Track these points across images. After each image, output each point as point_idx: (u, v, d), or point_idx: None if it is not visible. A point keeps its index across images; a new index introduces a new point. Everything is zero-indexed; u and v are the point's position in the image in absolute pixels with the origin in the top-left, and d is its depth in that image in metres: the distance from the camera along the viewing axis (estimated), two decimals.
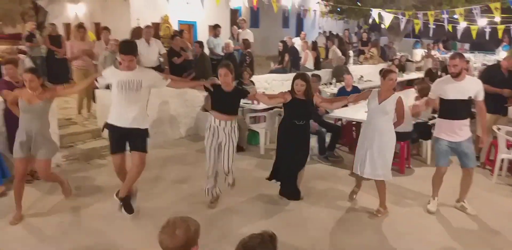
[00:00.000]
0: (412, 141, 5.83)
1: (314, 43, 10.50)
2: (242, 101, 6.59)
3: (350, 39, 15.68)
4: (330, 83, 9.05)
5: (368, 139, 4.15)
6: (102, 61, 6.28)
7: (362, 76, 9.95)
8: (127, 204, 3.96)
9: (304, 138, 4.43)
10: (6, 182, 4.61)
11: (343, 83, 7.58)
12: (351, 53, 11.89)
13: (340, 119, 6.60)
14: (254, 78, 7.87)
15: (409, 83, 11.34)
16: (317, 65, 9.95)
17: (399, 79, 10.98)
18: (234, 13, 16.04)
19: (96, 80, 3.91)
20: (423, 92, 5.93)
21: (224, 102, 4.10)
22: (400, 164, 5.54)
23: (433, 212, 4.33)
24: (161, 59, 7.34)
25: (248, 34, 9.42)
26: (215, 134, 4.13)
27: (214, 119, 4.12)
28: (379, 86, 4.17)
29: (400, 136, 5.38)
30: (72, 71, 6.68)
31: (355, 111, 6.16)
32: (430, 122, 5.82)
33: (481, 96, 4.10)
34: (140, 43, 7.18)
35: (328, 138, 6.00)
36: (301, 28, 21.59)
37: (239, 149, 6.31)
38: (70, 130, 6.11)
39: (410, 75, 11.84)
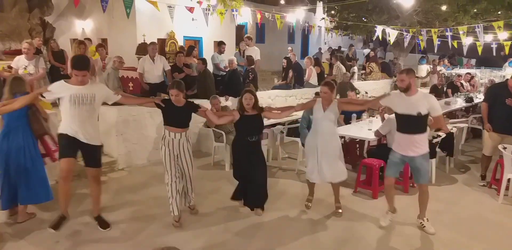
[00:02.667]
0: None
1: (316, 59, 10.50)
2: None
3: (354, 55, 15.73)
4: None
5: (320, 146, 4.38)
6: (105, 78, 6.32)
7: (366, 93, 9.91)
8: (102, 220, 4.16)
9: (259, 153, 4.54)
10: None
11: None
12: (355, 69, 11.88)
13: (343, 137, 6.51)
14: (258, 94, 7.83)
15: None
16: (321, 81, 9.92)
17: None
18: (240, 29, 16.20)
19: (42, 95, 3.81)
20: None
21: (175, 116, 4.20)
22: (404, 183, 5.43)
23: (384, 225, 4.32)
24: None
25: (255, 51, 9.46)
26: (170, 145, 4.18)
27: (168, 132, 4.20)
28: None
29: None
30: None
31: (359, 129, 6.10)
32: (435, 140, 5.73)
33: (436, 112, 4.02)
34: (145, 60, 7.26)
35: None
36: (307, 43, 21.79)
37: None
38: None
39: None
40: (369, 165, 5.29)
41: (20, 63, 6.00)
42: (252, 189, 4.53)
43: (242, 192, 4.63)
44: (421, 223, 4.32)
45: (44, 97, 3.82)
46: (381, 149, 5.67)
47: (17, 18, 10.95)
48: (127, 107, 5.99)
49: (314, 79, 9.65)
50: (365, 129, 6.05)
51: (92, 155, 3.99)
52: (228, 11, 11.57)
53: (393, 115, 5.33)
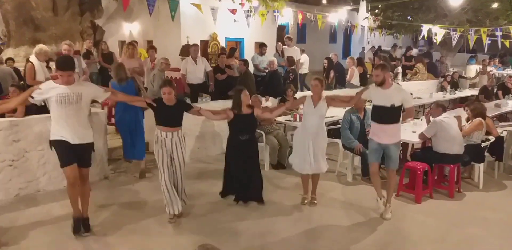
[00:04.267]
0: (463, 163, 5.51)
1: (359, 59, 10.31)
2: (284, 118, 6.69)
3: (400, 55, 15.30)
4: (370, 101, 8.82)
5: (309, 139, 4.58)
6: (151, 79, 6.54)
7: (411, 93, 9.59)
8: (87, 223, 4.03)
9: (252, 151, 4.61)
10: None
11: None
12: (399, 69, 11.56)
13: None
14: (298, 94, 7.84)
15: (463, 101, 10.84)
16: (364, 81, 9.76)
17: (451, 96, 10.54)
18: (281, 30, 16.21)
19: (31, 96, 3.74)
20: (475, 112, 5.65)
21: (167, 115, 4.19)
22: (450, 188, 5.24)
23: (381, 211, 4.53)
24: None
25: (295, 51, 9.47)
26: (163, 146, 4.18)
27: (160, 132, 4.19)
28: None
29: (450, 158, 5.16)
30: None
31: (402, 131, 5.92)
32: (483, 144, 5.49)
33: (408, 104, 4.42)
34: (188, 61, 7.46)
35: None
36: (349, 43, 21.44)
37: (280, 166, 6.29)
38: (118, 144, 6.38)
39: (464, 93, 11.29)
40: (412, 169, 5.16)
41: None
42: (246, 186, 4.68)
43: (233, 188, 4.76)
44: (382, 205, 4.58)
45: (33, 98, 3.77)
46: (426, 152, 5.51)
47: (70, 21, 11.58)
48: None
49: (356, 80, 9.51)
50: (409, 131, 5.89)
51: (84, 154, 3.91)
52: (270, 12, 11.64)
53: (440, 117, 5.21)
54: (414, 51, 13.54)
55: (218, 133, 7.06)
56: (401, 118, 4.47)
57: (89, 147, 3.98)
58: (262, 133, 6.27)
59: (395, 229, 4.31)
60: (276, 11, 12.17)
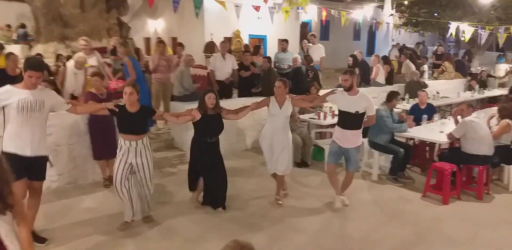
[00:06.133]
0: (493, 165, 5.39)
1: (385, 57, 10.13)
2: (308, 116, 6.65)
3: (424, 52, 14.98)
4: (403, 99, 8.68)
5: (275, 140, 4.64)
6: (178, 75, 6.61)
7: (438, 93, 9.42)
8: (37, 235, 3.79)
9: (217, 154, 4.49)
10: None
11: (416, 100, 7.24)
12: (425, 67, 11.32)
13: (412, 138, 6.29)
14: (321, 92, 7.79)
15: (491, 101, 10.56)
16: (389, 80, 9.61)
17: (479, 96, 10.28)
18: (304, 26, 16.11)
19: None
20: (503, 113, 5.48)
21: (130, 123, 3.95)
22: (478, 189, 5.13)
23: (338, 207, 4.71)
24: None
25: (319, 48, 9.39)
26: (125, 154, 3.95)
27: (123, 140, 3.95)
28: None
29: (479, 159, 5.05)
30: (150, 83, 7.10)
31: (429, 131, 5.86)
32: None
33: (370, 112, 4.55)
34: (216, 57, 7.50)
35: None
36: (373, 40, 21.13)
37: (304, 164, 6.28)
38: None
39: (493, 92, 10.98)
40: (440, 169, 5.07)
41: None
42: (213, 190, 4.54)
43: (197, 183, 4.63)
44: (339, 198, 4.77)
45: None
46: (454, 153, 5.41)
47: (97, 18, 11.82)
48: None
49: (381, 78, 9.37)
50: (437, 131, 5.79)
51: (39, 167, 3.62)
52: (293, 9, 11.58)
53: (468, 118, 5.10)
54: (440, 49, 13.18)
55: (242, 130, 7.11)
56: (362, 125, 4.62)
57: (44, 159, 3.65)
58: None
59: (422, 230, 4.25)
60: (300, 8, 12.11)
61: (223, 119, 4.47)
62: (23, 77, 5.36)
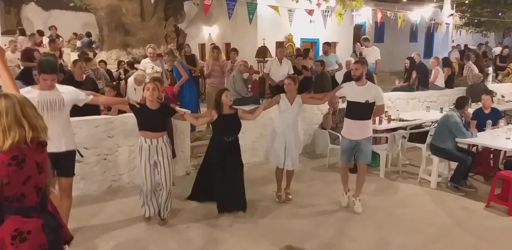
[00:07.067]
0: None
1: (446, 59, 9.65)
2: None
3: (490, 54, 14.10)
4: None
5: (286, 136, 4.69)
6: (231, 80, 6.74)
7: (503, 96, 8.83)
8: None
9: (236, 153, 4.48)
10: None
11: (479, 104, 6.84)
12: (490, 70, 10.66)
13: (475, 145, 5.94)
14: None
15: None
16: (449, 83, 9.15)
17: None
18: (358, 29, 15.80)
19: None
20: None
21: (150, 120, 3.99)
22: (509, 204, 4.65)
23: (344, 206, 4.76)
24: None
25: (374, 51, 9.16)
26: (146, 153, 3.99)
27: (144, 138, 3.99)
28: None
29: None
30: (205, 88, 7.33)
31: (494, 137, 5.52)
32: None
33: (380, 101, 4.58)
34: (273, 62, 7.59)
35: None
36: (431, 42, 20.25)
37: (356, 170, 6.13)
38: (200, 142, 6.67)
39: None
40: (506, 178, 4.75)
41: (147, 65, 6.91)
42: (230, 191, 4.43)
43: (200, 192, 4.64)
44: (353, 201, 4.72)
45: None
46: None
47: (156, 26, 12.36)
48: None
49: (440, 81, 8.94)
50: (502, 138, 5.43)
51: (64, 162, 3.59)
52: (347, 12, 11.40)
53: None
54: (497, 49, 12.37)
55: None
56: (372, 116, 4.67)
57: (71, 154, 3.69)
58: (339, 135, 6.15)
59: (485, 243, 3.99)
60: (354, 10, 11.88)
61: (239, 119, 4.49)
62: (88, 83, 5.69)
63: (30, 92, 3.43)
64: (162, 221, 4.29)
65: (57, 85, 3.64)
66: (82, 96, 3.76)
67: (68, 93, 3.66)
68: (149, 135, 4.00)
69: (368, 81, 4.65)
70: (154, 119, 4.01)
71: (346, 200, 4.83)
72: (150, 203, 4.25)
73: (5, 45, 8.84)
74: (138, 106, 4.00)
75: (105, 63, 9.64)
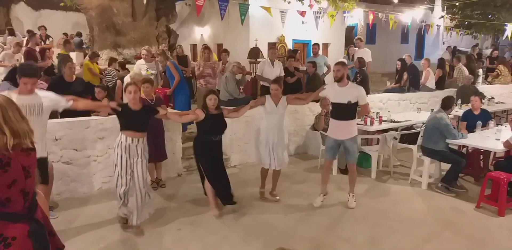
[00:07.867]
0: None
1: (441, 61, 9.69)
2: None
3: (480, 56, 14.25)
4: (455, 105, 8.30)
5: (271, 136, 4.78)
6: (223, 81, 6.73)
7: (492, 98, 8.92)
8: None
9: (220, 152, 4.58)
10: None
11: (469, 106, 6.90)
12: (480, 72, 10.77)
13: (465, 146, 5.98)
14: (369, 97, 7.61)
15: None
16: (440, 84, 9.22)
17: None
18: (350, 30, 15.87)
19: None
20: None
21: (131, 120, 3.98)
22: (499, 205, 4.68)
23: (317, 206, 4.79)
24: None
25: (366, 52, 9.21)
26: (126, 151, 3.94)
27: (125, 137, 3.96)
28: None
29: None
30: (196, 88, 7.30)
31: (484, 139, 5.57)
32: None
33: (363, 101, 4.65)
34: (265, 63, 7.57)
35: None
36: (422, 43, 20.43)
37: (346, 171, 6.14)
38: (191, 143, 6.60)
39: None
40: (496, 179, 4.78)
41: (142, 66, 6.87)
42: (222, 187, 4.54)
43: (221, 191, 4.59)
44: (347, 197, 4.85)
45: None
46: (511, 162, 5.09)
47: (147, 26, 12.29)
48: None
49: (431, 82, 9.02)
50: (492, 139, 5.48)
51: (40, 170, 3.45)
52: (339, 13, 11.43)
53: None
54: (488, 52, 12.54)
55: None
56: (356, 116, 4.76)
57: (44, 161, 3.58)
58: None
59: (476, 243, 4.02)
60: (346, 12, 11.92)
61: (225, 119, 4.60)
62: (78, 83, 5.62)
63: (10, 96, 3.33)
64: (137, 229, 4.10)
65: (37, 91, 3.57)
66: (63, 103, 3.72)
67: (48, 99, 3.60)
68: (131, 134, 3.98)
69: (349, 82, 4.75)
70: (136, 120, 4.02)
71: (320, 201, 4.86)
72: (125, 208, 4.08)
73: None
74: (120, 109, 4.01)
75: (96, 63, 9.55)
